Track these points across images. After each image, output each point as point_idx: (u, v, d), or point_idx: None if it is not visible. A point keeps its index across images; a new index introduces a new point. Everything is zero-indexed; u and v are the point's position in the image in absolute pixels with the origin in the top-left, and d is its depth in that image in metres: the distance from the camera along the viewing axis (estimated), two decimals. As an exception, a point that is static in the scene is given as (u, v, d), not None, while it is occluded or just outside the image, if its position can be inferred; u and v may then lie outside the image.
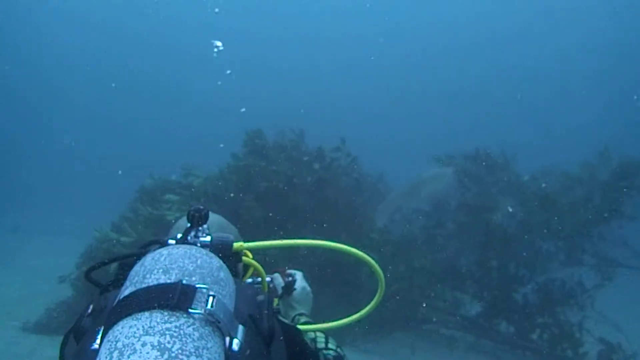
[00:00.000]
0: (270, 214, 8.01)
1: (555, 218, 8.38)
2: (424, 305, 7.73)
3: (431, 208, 9.51)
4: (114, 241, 7.08)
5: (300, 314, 1.92)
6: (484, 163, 9.46)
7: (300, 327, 1.73)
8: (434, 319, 7.88)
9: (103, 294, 1.30)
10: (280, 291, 1.93)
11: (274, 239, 1.69)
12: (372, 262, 1.80)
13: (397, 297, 7.31)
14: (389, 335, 7.50)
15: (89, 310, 1.24)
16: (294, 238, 1.78)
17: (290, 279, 1.98)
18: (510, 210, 8.95)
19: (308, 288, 2.01)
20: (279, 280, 1.95)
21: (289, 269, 2.04)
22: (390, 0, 35.73)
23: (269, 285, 1.83)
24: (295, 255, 7.11)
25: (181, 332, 0.99)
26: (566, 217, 8.46)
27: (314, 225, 8.10)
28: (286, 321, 1.46)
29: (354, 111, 33.95)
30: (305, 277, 2.03)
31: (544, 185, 9.21)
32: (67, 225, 15.31)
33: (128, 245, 6.84)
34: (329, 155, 9.31)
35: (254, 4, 36.36)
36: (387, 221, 9.25)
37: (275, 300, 1.89)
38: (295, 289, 1.95)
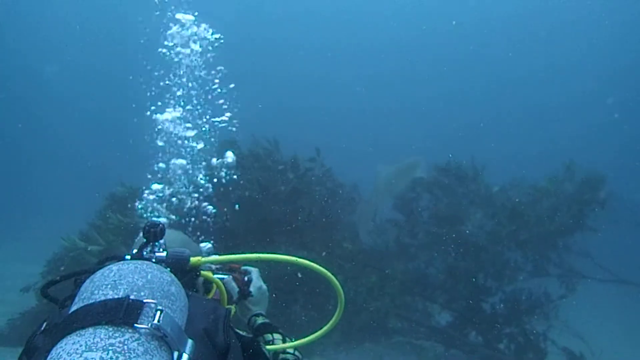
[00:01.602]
0: (244, 223, 7.98)
1: (523, 230, 8.58)
2: (395, 315, 7.79)
3: (404, 218, 9.58)
4: (82, 250, 6.93)
5: (257, 315, 1.93)
6: (461, 175, 9.58)
7: (271, 347, 1.76)
8: (404, 329, 7.95)
9: (60, 311, 1.29)
10: (235, 296, 1.92)
11: (237, 253, 1.70)
12: (333, 279, 1.80)
13: (370, 308, 7.35)
14: (359, 346, 7.54)
15: (42, 328, 1.23)
16: (256, 252, 1.78)
17: (246, 278, 1.96)
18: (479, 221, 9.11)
19: (264, 287, 2.00)
20: (231, 285, 1.93)
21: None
22: (372, 9, 35.82)
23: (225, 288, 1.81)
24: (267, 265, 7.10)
25: (125, 347, 0.99)
26: (533, 229, 8.66)
27: (288, 234, 8.10)
28: (243, 333, 1.48)
29: (329, 120, 34.04)
30: (261, 275, 2.02)
31: (514, 197, 9.41)
32: (38, 231, 14.91)
33: (96, 253, 6.69)
34: (304, 165, 9.33)
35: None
36: (370, 223, 9.24)
37: (233, 308, 1.88)
38: (252, 294, 1.94)
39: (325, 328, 1.91)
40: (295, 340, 1.87)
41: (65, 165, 30.77)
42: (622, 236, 10.62)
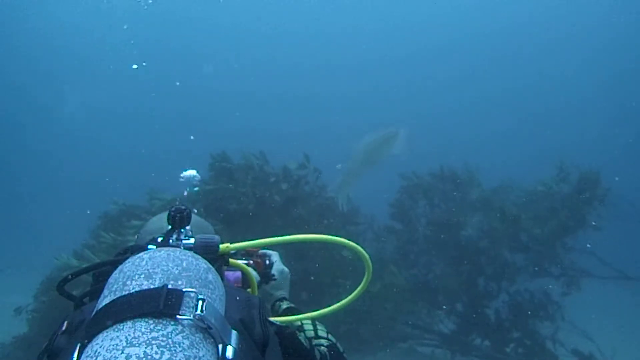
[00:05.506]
0: (239, 236, 7.83)
1: (522, 231, 8.56)
2: (402, 322, 7.68)
3: (402, 226, 9.49)
4: (76, 268, 6.69)
5: (281, 299, 1.87)
6: (456, 180, 9.55)
7: (287, 318, 1.70)
8: (412, 336, 7.84)
9: (78, 308, 1.20)
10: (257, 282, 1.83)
11: (261, 238, 1.62)
12: (357, 247, 1.78)
13: (376, 316, 7.23)
14: (370, 356, 7.38)
15: (63, 327, 1.13)
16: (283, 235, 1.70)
17: (267, 261, 1.89)
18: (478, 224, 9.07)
19: (286, 269, 1.94)
20: (253, 273, 1.84)
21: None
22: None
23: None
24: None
25: (169, 341, 0.89)
26: (532, 230, 8.64)
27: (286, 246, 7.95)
28: (279, 323, 1.39)
29: (314, 133, 33.87)
30: (281, 258, 1.96)
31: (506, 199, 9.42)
32: (22, 262, 14.41)
33: (91, 272, 6.46)
34: (296, 173, 9.19)
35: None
36: (347, 193, 9.04)
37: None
38: (274, 278, 1.87)
39: (353, 294, 1.85)
40: (320, 310, 1.81)
41: (54, 186, 30.03)
42: (627, 233, 10.66)
